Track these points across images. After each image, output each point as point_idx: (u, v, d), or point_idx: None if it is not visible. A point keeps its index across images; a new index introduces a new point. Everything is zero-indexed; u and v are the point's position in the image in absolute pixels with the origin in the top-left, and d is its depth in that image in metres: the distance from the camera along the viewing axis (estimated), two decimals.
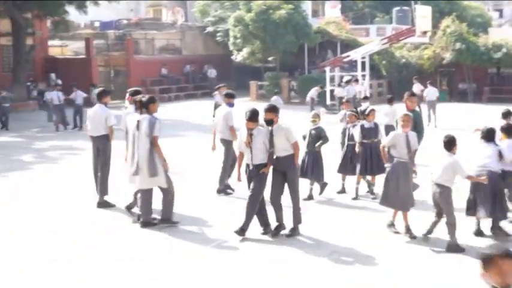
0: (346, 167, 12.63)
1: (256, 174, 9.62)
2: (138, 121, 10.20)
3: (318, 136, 12.16)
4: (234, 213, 10.74)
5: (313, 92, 28.48)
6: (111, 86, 37.75)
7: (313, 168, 12.14)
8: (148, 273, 8.21)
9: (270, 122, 9.60)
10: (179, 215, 10.69)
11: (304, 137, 12.28)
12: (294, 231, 9.79)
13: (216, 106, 24.02)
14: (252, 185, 9.65)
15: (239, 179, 9.99)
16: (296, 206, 9.80)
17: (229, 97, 12.95)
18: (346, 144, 12.77)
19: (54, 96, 24.94)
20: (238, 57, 39.07)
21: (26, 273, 8.23)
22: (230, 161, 12.51)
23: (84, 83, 32.59)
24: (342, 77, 32.83)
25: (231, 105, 12.83)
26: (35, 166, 17.07)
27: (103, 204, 11.86)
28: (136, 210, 10.92)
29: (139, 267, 8.46)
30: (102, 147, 11.97)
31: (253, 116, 9.57)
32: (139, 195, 10.54)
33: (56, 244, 9.50)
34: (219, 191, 12.64)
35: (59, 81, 33.65)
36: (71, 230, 10.32)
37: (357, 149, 12.29)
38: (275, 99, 26.32)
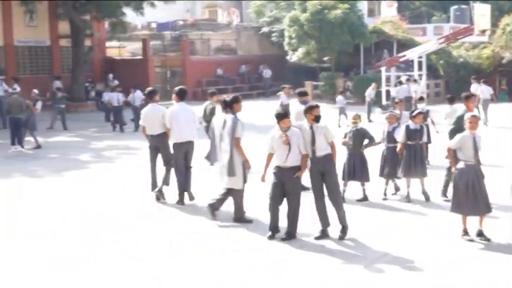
0: (384, 170, 12.42)
1: (290, 178, 9.41)
2: (225, 120, 10.47)
3: (362, 137, 12.03)
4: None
5: (370, 91, 28.01)
6: (167, 87, 38.22)
7: (362, 170, 12.03)
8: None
9: (318, 119, 9.53)
10: (190, 217, 10.75)
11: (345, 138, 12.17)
12: (344, 233, 9.58)
13: (281, 106, 24.15)
14: (289, 190, 9.40)
15: (263, 180, 9.74)
16: (340, 208, 9.60)
17: (303, 95, 13.03)
18: (385, 146, 12.52)
19: (114, 98, 25.13)
20: (293, 57, 39.02)
21: (89, 271, 8.41)
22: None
23: (141, 83, 33.11)
24: (398, 77, 32.45)
25: (304, 102, 12.80)
26: (92, 165, 17.40)
27: (159, 194, 12.29)
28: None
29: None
30: (161, 145, 12.27)
31: (287, 115, 9.66)
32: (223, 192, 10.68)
33: (117, 240, 9.67)
34: None
35: (116, 82, 34.21)
36: (127, 228, 10.48)
37: (398, 150, 12.10)
38: (340, 99, 26.18)
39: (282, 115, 9.56)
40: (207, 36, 44.06)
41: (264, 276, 8.12)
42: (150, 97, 12.60)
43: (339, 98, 26.49)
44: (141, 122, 12.76)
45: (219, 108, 12.44)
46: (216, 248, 9.25)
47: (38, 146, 20.33)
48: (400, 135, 12.11)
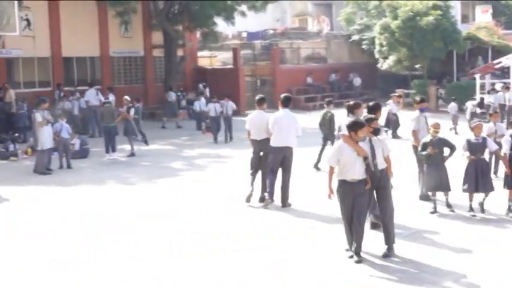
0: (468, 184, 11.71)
1: (361, 192, 8.91)
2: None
3: (443, 146, 11.66)
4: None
5: (471, 107, 26.30)
6: (257, 96, 38.46)
7: (445, 179, 11.69)
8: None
9: (376, 132, 9.27)
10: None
11: (423, 148, 11.79)
12: (390, 251, 9.12)
13: (389, 114, 23.90)
14: (360, 204, 8.88)
15: (331, 197, 9.08)
16: (391, 224, 9.20)
17: (423, 102, 13.28)
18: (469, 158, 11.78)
19: (211, 108, 24.77)
20: (384, 65, 38.51)
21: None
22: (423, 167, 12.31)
23: (232, 93, 33.48)
24: (492, 84, 31.45)
25: (423, 110, 13.08)
26: (184, 173, 17.70)
27: (262, 199, 12.76)
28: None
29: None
30: (265, 149, 12.76)
31: (364, 123, 9.08)
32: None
33: (216, 247, 9.79)
34: None
35: (207, 92, 34.62)
36: (214, 235, 10.58)
37: (465, 161, 11.68)
38: (452, 107, 25.59)
39: (360, 124, 9.00)
40: (297, 44, 44.10)
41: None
42: (258, 104, 13.16)
43: (452, 105, 25.81)
44: (246, 127, 13.22)
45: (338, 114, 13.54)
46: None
47: (132, 154, 20.87)
48: (506, 145, 11.57)
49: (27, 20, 30.58)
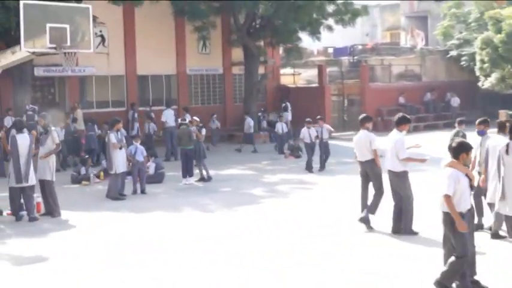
0: None
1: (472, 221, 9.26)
2: (507, 145, 10.76)
3: None
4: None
5: None
6: (344, 116, 38.26)
7: None
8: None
9: None
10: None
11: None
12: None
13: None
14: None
15: (463, 228, 8.71)
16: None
17: (482, 124, 13.08)
18: None
19: (305, 134, 23.17)
20: (485, 83, 37.53)
21: None
22: None
23: (317, 113, 33.37)
24: None
25: (481, 133, 12.91)
26: (266, 200, 17.60)
27: (364, 219, 13.00)
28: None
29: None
30: (370, 170, 13.16)
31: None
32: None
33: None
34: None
35: (288, 115, 34.53)
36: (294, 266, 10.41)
37: None
38: None
39: (469, 146, 8.87)
40: (388, 61, 43.64)
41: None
42: (361, 124, 13.61)
43: None
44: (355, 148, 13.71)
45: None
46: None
47: (205, 178, 20.94)
48: None
49: (102, 36, 31.42)
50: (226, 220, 14.89)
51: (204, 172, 21.13)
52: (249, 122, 31.41)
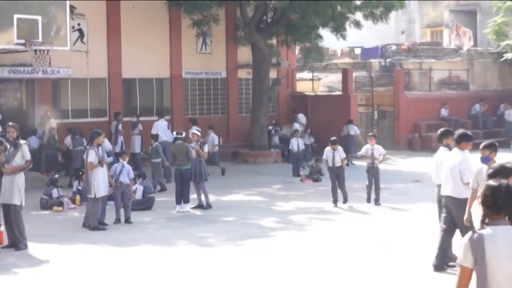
0: None
1: None
2: None
3: None
4: None
5: None
6: (374, 131, 38.16)
7: None
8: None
9: None
10: None
11: None
12: None
13: None
14: None
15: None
16: None
17: (486, 148, 12.87)
18: None
19: (329, 156, 21.89)
20: None
21: None
22: None
23: (339, 126, 33.42)
24: None
25: (486, 159, 12.80)
26: (276, 233, 17.59)
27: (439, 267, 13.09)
28: None
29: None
30: (457, 213, 12.95)
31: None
32: None
33: None
34: None
35: (296, 126, 34.67)
36: None
37: None
38: None
39: None
40: (428, 65, 43.71)
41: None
42: (442, 139, 14.31)
43: None
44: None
45: None
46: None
47: (203, 205, 20.99)
48: None
49: (80, 30, 31.44)
50: (228, 257, 14.81)
51: (203, 198, 21.17)
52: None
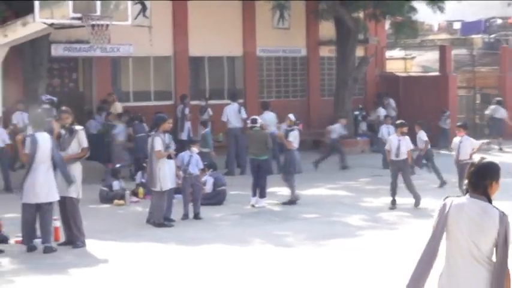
0: None
1: None
2: None
3: None
4: None
5: None
6: (475, 118, 37.80)
7: None
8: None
9: None
10: None
11: None
12: None
13: None
14: None
15: None
16: None
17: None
18: None
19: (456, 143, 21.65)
20: None
21: None
22: None
23: (436, 111, 33.12)
24: None
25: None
26: (364, 232, 17.55)
27: None
28: None
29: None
30: None
31: None
32: None
33: None
34: None
35: (392, 110, 34.47)
36: None
37: None
38: None
39: None
40: None
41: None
42: None
43: None
44: None
45: None
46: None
47: (292, 201, 21.08)
48: None
49: (142, 3, 31.58)
50: (309, 258, 14.84)
51: (289, 191, 21.32)
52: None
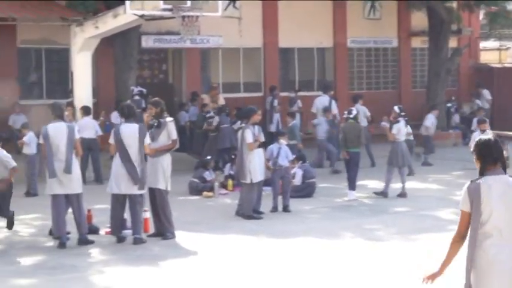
0: None
1: None
2: None
3: None
4: None
5: None
6: None
7: None
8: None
9: None
10: None
11: None
12: None
13: None
14: None
15: None
16: None
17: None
18: None
19: None
20: None
21: None
22: None
23: None
24: None
25: None
26: (456, 227, 17.31)
27: None
28: None
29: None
30: None
31: None
32: None
33: None
34: None
35: (486, 102, 34.01)
36: None
37: None
38: None
39: None
40: None
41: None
42: None
43: None
44: None
45: None
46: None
47: (402, 193, 21.19)
48: None
49: None
50: (399, 252, 14.84)
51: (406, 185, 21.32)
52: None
